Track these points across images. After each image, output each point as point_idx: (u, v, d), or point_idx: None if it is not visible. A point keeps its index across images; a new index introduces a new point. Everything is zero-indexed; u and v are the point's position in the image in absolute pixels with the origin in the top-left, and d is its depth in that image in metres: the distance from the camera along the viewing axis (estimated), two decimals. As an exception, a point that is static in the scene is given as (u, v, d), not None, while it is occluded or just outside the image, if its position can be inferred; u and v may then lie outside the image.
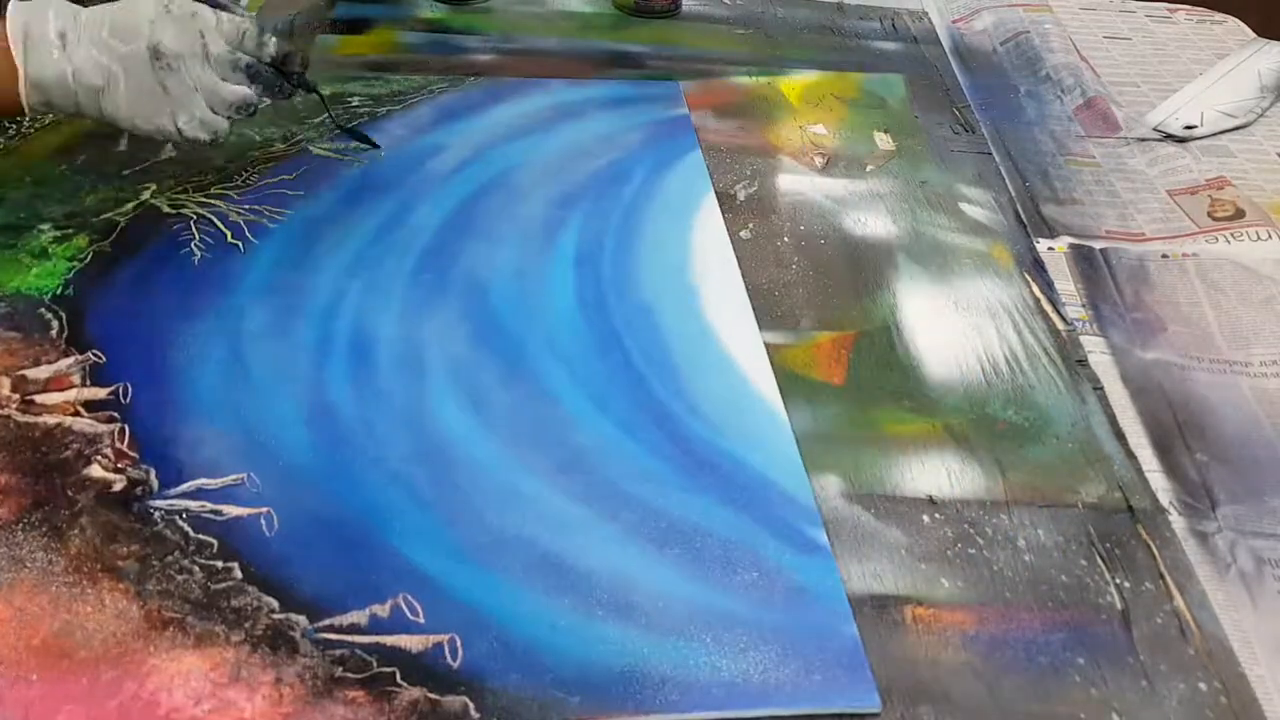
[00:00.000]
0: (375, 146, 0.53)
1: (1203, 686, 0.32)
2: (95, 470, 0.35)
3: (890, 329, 0.46)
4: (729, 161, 0.57)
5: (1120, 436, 0.41)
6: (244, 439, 0.37)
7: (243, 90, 0.46)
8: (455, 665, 0.31)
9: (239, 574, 0.33)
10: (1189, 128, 0.63)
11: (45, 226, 0.46)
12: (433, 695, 0.30)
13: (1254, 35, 0.75)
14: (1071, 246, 0.53)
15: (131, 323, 0.42)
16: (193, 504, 0.35)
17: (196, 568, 0.33)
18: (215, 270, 0.45)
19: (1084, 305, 0.48)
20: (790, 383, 0.42)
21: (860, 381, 0.43)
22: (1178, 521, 0.38)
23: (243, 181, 0.50)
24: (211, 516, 0.34)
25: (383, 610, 0.32)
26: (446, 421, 0.38)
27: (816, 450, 0.39)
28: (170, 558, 0.33)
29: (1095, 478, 0.39)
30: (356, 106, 0.57)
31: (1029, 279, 0.50)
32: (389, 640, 0.31)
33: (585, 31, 0.70)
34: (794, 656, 0.32)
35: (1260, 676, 0.33)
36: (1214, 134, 0.63)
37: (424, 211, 0.49)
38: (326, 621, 0.31)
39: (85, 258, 0.45)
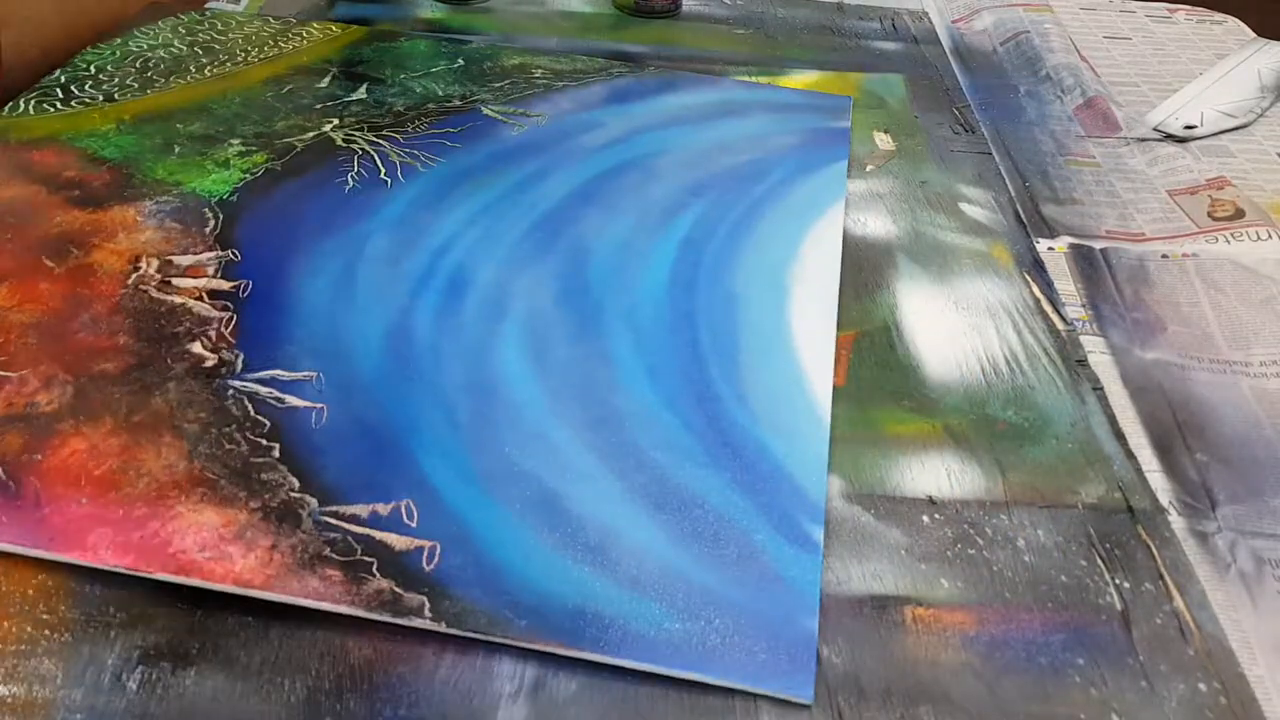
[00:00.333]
0: None
1: (1202, 687, 0.32)
2: (196, 347, 0.40)
3: (890, 329, 0.46)
4: (729, 161, 0.57)
5: (1120, 437, 0.41)
6: (327, 345, 0.41)
7: None
8: (428, 569, 0.33)
9: (276, 453, 0.36)
10: (1189, 128, 0.63)
11: (235, 141, 0.52)
12: (397, 589, 0.32)
13: (1254, 35, 0.75)
14: (1071, 246, 0.53)
15: (274, 232, 0.46)
16: (262, 389, 0.38)
17: (244, 441, 0.36)
18: (359, 200, 0.49)
19: (1084, 305, 0.48)
20: (790, 383, 0.42)
21: (860, 381, 0.43)
22: (1177, 522, 0.38)
23: (413, 129, 0.55)
24: (273, 403, 0.38)
25: (384, 509, 0.35)
26: (504, 363, 0.41)
27: (816, 450, 0.39)
28: (226, 429, 0.37)
29: (1095, 478, 0.39)
30: (538, 78, 0.61)
31: (1029, 279, 0.50)
32: (379, 535, 0.34)
33: (585, 31, 0.70)
34: (745, 635, 0.32)
35: (1260, 677, 0.33)
36: (1214, 134, 0.63)
37: (559, 178, 0.52)
38: (333, 507, 0.35)
39: (257, 172, 0.50)
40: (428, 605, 0.32)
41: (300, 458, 0.36)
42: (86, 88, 0.56)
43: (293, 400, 0.38)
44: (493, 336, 0.42)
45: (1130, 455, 0.41)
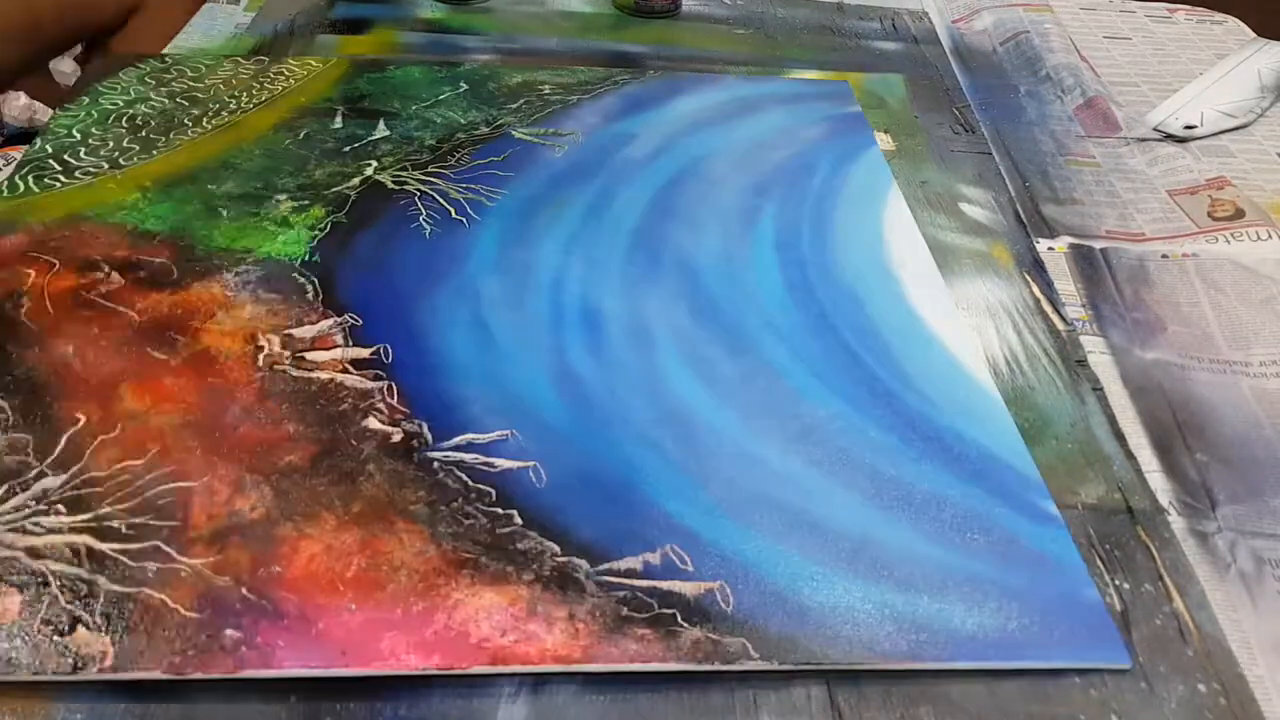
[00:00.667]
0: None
1: (1202, 688, 0.32)
2: (373, 423, 0.38)
3: (890, 329, 0.46)
4: (729, 161, 0.57)
5: (1120, 437, 0.41)
6: (501, 399, 0.40)
7: None
8: (728, 610, 0.33)
9: (519, 520, 0.35)
10: (1189, 128, 0.63)
11: (281, 197, 0.51)
12: (713, 635, 0.32)
13: (1254, 35, 0.75)
14: (1071, 246, 0.53)
15: (378, 288, 0.45)
16: (467, 456, 0.37)
17: (480, 514, 0.35)
18: (446, 243, 0.48)
19: (1084, 305, 0.48)
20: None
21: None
22: (1177, 522, 0.38)
23: (456, 162, 0.54)
24: (485, 469, 0.37)
25: (654, 558, 0.34)
26: (681, 390, 0.41)
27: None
28: (455, 504, 0.36)
29: (1095, 478, 0.39)
30: (549, 94, 0.61)
31: (1029, 279, 0.50)
32: (664, 585, 0.33)
33: (585, 31, 0.70)
34: (1041, 616, 0.33)
35: (1260, 677, 0.33)
36: (1214, 134, 0.63)
37: (627, 195, 0.53)
38: (605, 566, 0.34)
39: (325, 227, 0.49)
40: (750, 646, 0.32)
41: (544, 520, 0.35)
42: (83, 155, 0.52)
43: (502, 463, 0.37)
44: (654, 366, 0.42)
45: (1130, 455, 0.41)
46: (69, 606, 0.31)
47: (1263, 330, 0.47)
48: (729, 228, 0.51)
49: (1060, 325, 0.47)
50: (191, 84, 0.60)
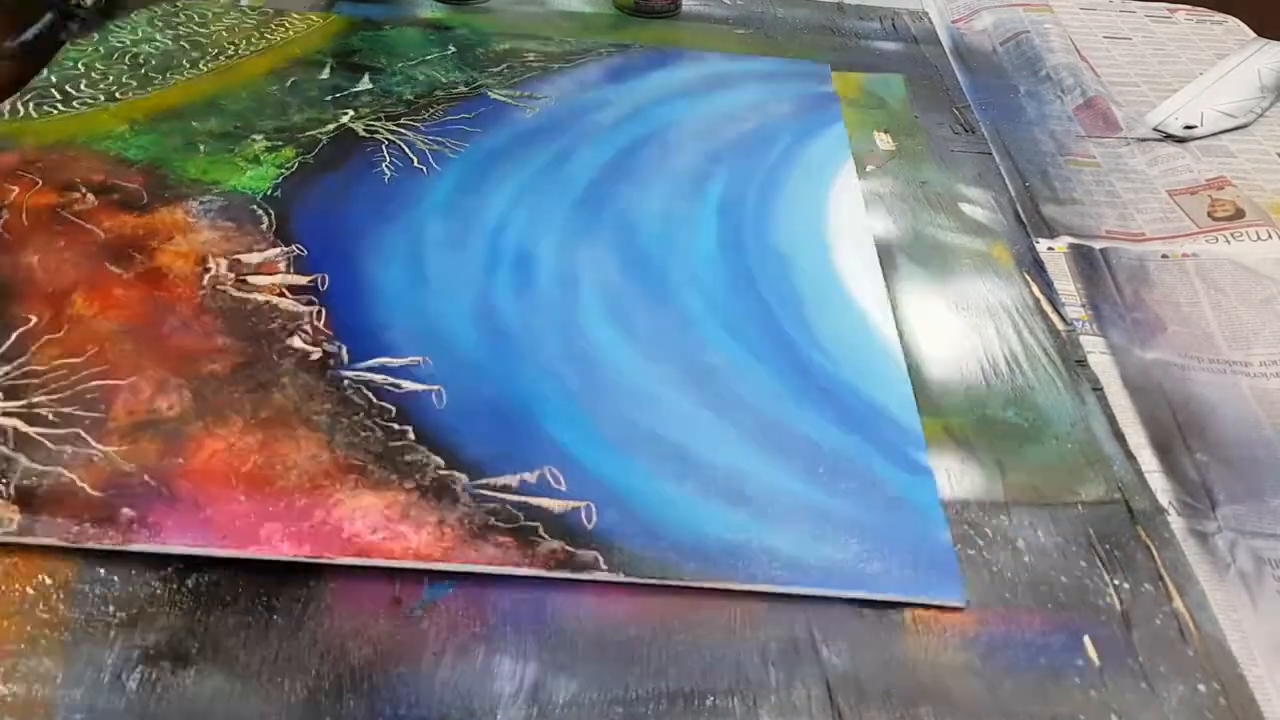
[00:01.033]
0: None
1: (1202, 688, 0.32)
2: (296, 342, 0.41)
3: (890, 329, 0.46)
4: (729, 161, 0.57)
5: (1120, 437, 0.41)
6: (422, 329, 0.43)
7: None
8: (590, 526, 0.35)
9: (412, 435, 0.38)
10: (1189, 128, 0.63)
11: (258, 137, 0.53)
12: (569, 548, 0.34)
13: (1254, 35, 0.75)
14: (1071, 246, 0.53)
15: (329, 224, 0.48)
16: (377, 377, 0.40)
17: (377, 427, 0.38)
18: (403, 188, 0.51)
19: (1084, 305, 0.48)
20: (790, 383, 0.42)
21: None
22: (1177, 522, 0.38)
23: (429, 116, 0.57)
24: (391, 388, 0.40)
25: (531, 477, 0.37)
26: (594, 331, 0.44)
27: (816, 451, 0.39)
28: (356, 417, 0.38)
29: (1095, 478, 0.39)
30: (532, 61, 0.63)
31: (1029, 279, 0.50)
32: (534, 501, 0.36)
33: (585, 31, 0.70)
34: (889, 553, 0.36)
35: (1259, 677, 0.33)
36: (1214, 134, 0.63)
37: (586, 155, 0.55)
38: (483, 480, 0.36)
39: (292, 167, 0.51)
40: (601, 559, 0.34)
41: (435, 438, 0.38)
42: (83, 87, 0.56)
43: (409, 385, 0.40)
44: (575, 308, 0.45)
45: (1130, 455, 0.41)
46: None
47: (1263, 330, 0.47)
48: (678, 189, 0.53)
49: (1060, 325, 0.47)
50: (197, 28, 0.63)
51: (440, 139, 0.55)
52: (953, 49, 0.72)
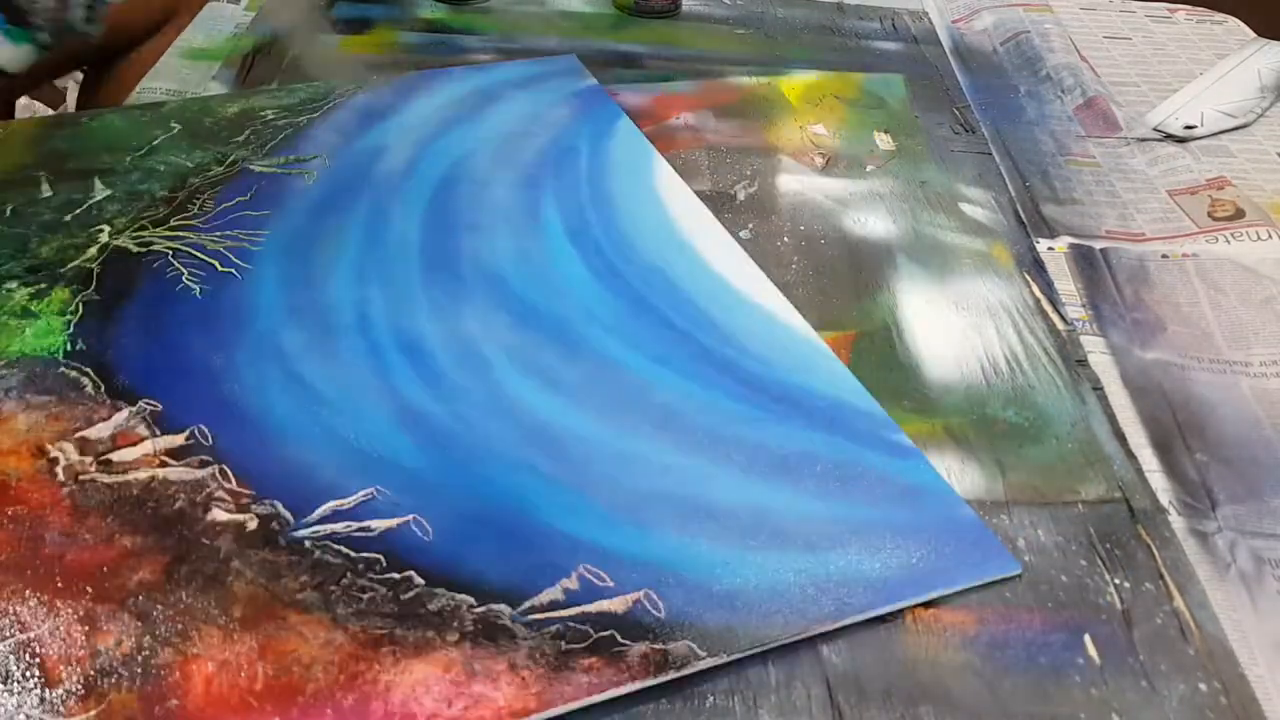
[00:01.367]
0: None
1: (1203, 687, 0.32)
2: (219, 514, 0.35)
3: (890, 329, 0.46)
4: (729, 161, 0.57)
5: (1120, 437, 0.41)
6: (350, 456, 0.37)
7: None
8: (662, 615, 0.32)
9: (420, 580, 0.33)
10: (1189, 128, 0.63)
11: (12, 285, 0.44)
12: (657, 646, 0.32)
13: (1254, 35, 0.75)
14: (1071, 246, 0.53)
15: (166, 365, 0.41)
16: (338, 526, 0.35)
17: (376, 584, 0.33)
18: (223, 300, 0.44)
19: (1084, 305, 0.48)
20: (790, 383, 0.42)
21: (860, 381, 0.43)
22: (1177, 521, 0.38)
23: (198, 209, 0.49)
24: (362, 535, 0.34)
25: (572, 584, 0.33)
26: (533, 405, 0.40)
27: (816, 450, 0.39)
28: (344, 580, 0.33)
29: (1095, 478, 0.39)
30: (273, 119, 0.56)
31: (1029, 279, 0.50)
32: (592, 609, 0.33)
33: (585, 31, 0.70)
34: (932, 544, 0.35)
35: (1260, 677, 0.33)
36: (1214, 134, 0.63)
37: (399, 212, 0.50)
38: (526, 605, 0.32)
39: (76, 309, 0.43)
40: (695, 646, 0.32)
41: (446, 574, 0.33)
42: None
43: (379, 524, 0.35)
44: (499, 386, 0.41)
45: (1130, 455, 0.41)
46: None
47: (1263, 330, 0.47)
48: (515, 226, 0.50)
49: (1060, 325, 0.47)
50: None
51: (230, 233, 0.48)
52: (953, 49, 0.72)
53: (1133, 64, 0.72)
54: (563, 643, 0.31)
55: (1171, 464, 0.40)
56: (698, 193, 0.53)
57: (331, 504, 0.35)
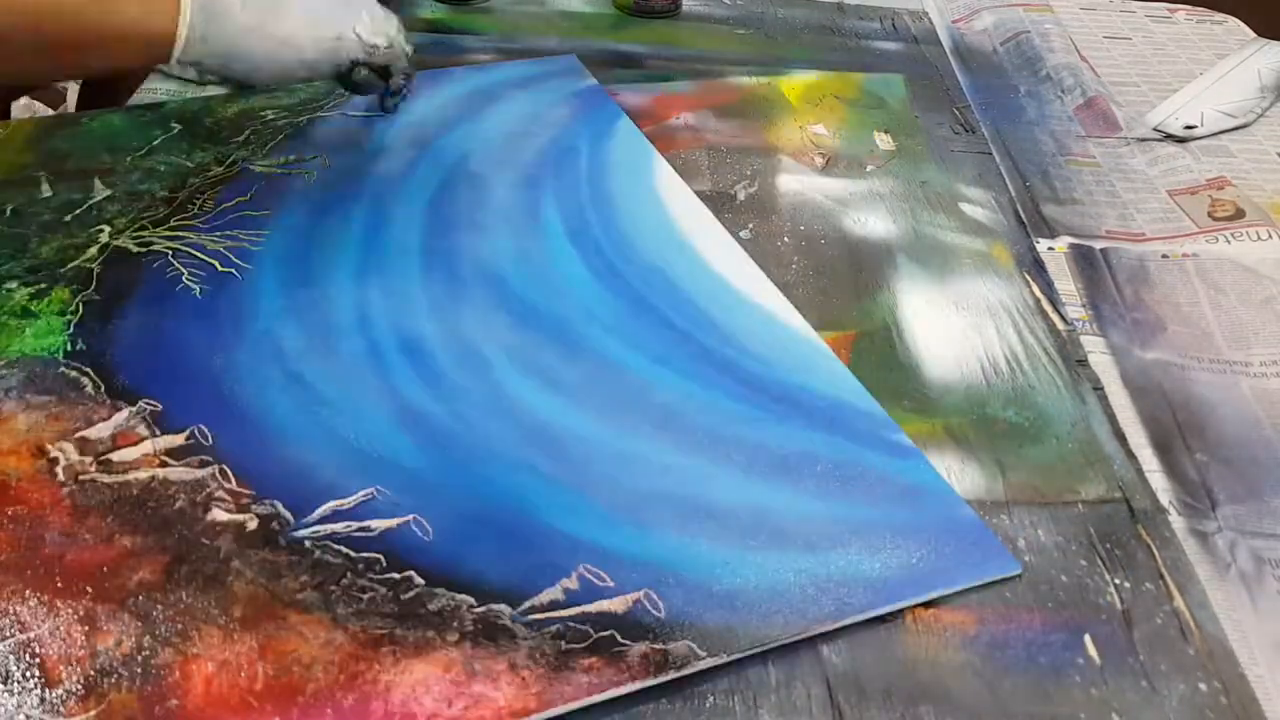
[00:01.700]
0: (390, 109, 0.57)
1: (1203, 687, 0.32)
2: (219, 514, 0.35)
3: (890, 329, 0.46)
4: (729, 161, 0.57)
5: (1120, 436, 0.41)
6: (350, 456, 0.37)
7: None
8: (661, 615, 0.32)
9: (420, 580, 0.33)
10: (1189, 128, 0.63)
11: (13, 285, 0.44)
12: (657, 646, 0.31)
13: (1254, 35, 0.75)
14: (1071, 246, 0.53)
15: (166, 365, 0.41)
16: (338, 526, 0.35)
17: (376, 584, 0.33)
18: (222, 299, 0.44)
19: (1084, 305, 0.48)
20: (790, 383, 0.42)
21: (860, 381, 0.43)
22: (1177, 521, 0.38)
23: (198, 209, 0.49)
24: (362, 535, 0.34)
25: (572, 583, 0.33)
26: (533, 405, 0.40)
27: (816, 450, 0.39)
28: (345, 580, 0.33)
29: (1095, 478, 0.39)
30: (273, 119, 0.56)
31: (1029, 279, 0.50)
32: (592, 609, 0.32)
33: (585, 31, 0.70)
34: (933, 544, 0.35)
35: (1260, 677, 0.33)
36: (1214, 134, 0.63)
37: (400, 212, 0.50)
38: (526, 604, 0.32)
39: (76, 309, 0.43)
40: (695, 646, 0.31)
41: (446, 574, 0.33)
42: None
43: (379, 524, 0.35)
44: (497, 385, 0.41)
45: (1130, 455, 0.41)
46: None
47: (1263, 330, 0.47)
48: (515, 226, 0.50)
49: (1060, 325, 0.47)
50: None
51: (230, 233, 0.48)
52: (953, 49, 0.72)
53: (1133, 64, 0.72)
54: (563, 643, 0.31)
55: (1171, 464, 0.40)
56: (698, 193, 0.53)
57: (332, 504, 0.35)
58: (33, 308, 0.43)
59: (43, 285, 0.44)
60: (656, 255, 0.48)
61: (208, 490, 0.35)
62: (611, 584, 0.33)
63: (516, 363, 0.42)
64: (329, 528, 0.34)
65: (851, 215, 0.53)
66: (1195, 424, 0.42)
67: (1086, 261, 0.51)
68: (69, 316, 0.43)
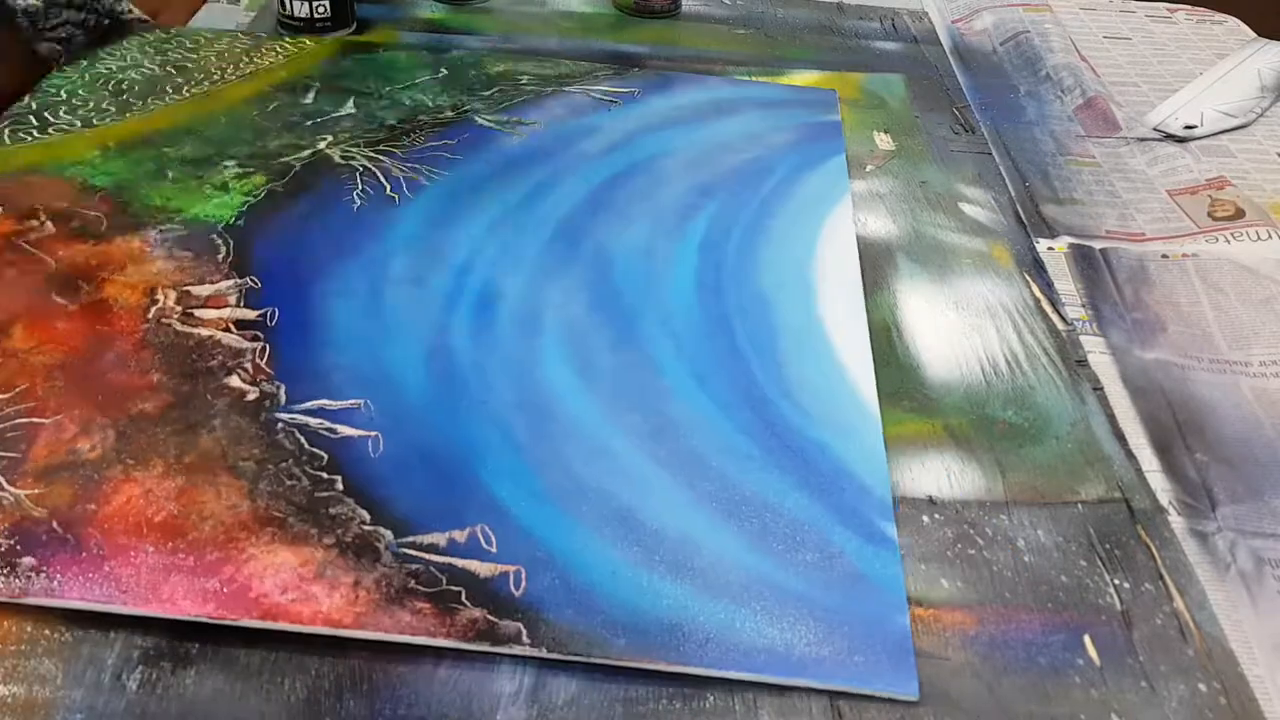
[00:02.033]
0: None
1: (1202, 687, 0.32)
2: (235, 380, 0.39)
3: (890, 329, 0.46)
4: (729, 161, 0.57)
5: (1120, 437, 0.41)
6: (368, 370, 0.40)
7: None
8: (517, 594, 0.33)
9: (340, 486, 0.35)
10: (1189, 128, 0.63)
11: (230, 164, 0.51)
12: (491, 617, 0.32)
13: (1254, 35, 0.75)
14: (1071, 246, 0.53)
15: (289, 256, 0.46)
16: (312, 420, 0.38)
17: (305, 476, 0.36)
18: (370, 218, 0.49)
19: (1084, 305, 0.48)
20: (790, 383, 0.42)
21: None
22: (1177, 522, 0.38)
23: (410, 142, 0.54)
24: (326, 434, 0.37)
25: (460, 536, 0.34)
26: (552, 377, 0.41)
27: (816, 450, 0.39)
28: (284, 464, 0.36)
29: (1095, 478, 0.39)
30: (525, 84, 0.61)
31: (1029, 279, 0.50)
32: (461, 563, 0.33)
33: (585, 31, 0.70)
34: (840, 636, 0.33)
35: (1259, 677, 0.33)
36: (1214, 134, 0.63)
37: (569, 185, 0.53)
38: (409, 538, 0.34)
39: (260, 194, 0.49)
40: (524, 631, 0.32)
41: (365, 489, 0.35)
42: (62, 114, 0.54)
43: (345, 430, 0.37)
44: (534, 351, 0.42)
45: (1130, 455, 0.41)
46: None
47: (1263, 330, 0.47)
48: (661, 225, 0.50)
49: (1060, 325, 0.47)
50: (186, 54, 0.61)
51: (417, 166, 0.52)
52: (953, 49, 0.72)
53: (1133, 64, 0.72)
54: (413, 581, 0.33)
55: (1171, 464, 0.40)
56: (698, 193, 0.53)
57: (322, 401, 0.38)
58: (231, 184, 0.50)
59: (250, 170, 0.51)
60: (771, 283, 0.47)
61: (241, 359, 0.40)
62: (494, 550, 0.34)
63: (565, 337, 0.43)
64: (305, 419, 0.38)
65: (852, 214, 0.53)
66: (1195, 424, 0.42)
67: (1086, 261, 0.51)
68: (250, 198, 0.49)
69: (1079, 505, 0.38)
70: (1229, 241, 0.53)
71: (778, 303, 0.46)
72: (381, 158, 0.53)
